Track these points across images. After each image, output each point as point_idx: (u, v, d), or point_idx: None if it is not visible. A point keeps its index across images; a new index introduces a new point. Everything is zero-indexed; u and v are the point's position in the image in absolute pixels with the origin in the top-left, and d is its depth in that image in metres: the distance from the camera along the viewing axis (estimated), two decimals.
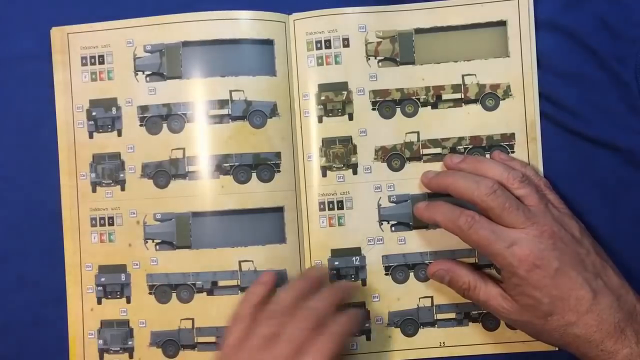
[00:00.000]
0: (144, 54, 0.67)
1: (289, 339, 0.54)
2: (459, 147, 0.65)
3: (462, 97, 0.65)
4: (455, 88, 0.65)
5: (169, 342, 0.66)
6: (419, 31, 0.66)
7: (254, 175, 0.66)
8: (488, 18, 0.65)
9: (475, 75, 0.65)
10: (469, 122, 0.65)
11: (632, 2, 0.63)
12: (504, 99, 0.65)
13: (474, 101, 0.65)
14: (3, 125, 0.68)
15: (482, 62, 0.65)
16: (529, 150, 0.64)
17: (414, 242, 0.65)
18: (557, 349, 0.63)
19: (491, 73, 0.65)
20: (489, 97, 0.65)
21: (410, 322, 0.65)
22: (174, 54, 0.67)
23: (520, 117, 0.64)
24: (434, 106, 0.65)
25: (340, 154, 0.66)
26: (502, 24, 0.65)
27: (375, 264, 0.65)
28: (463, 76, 0.65)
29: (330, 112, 0.66)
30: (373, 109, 0.66)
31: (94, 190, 0.67)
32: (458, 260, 0.63)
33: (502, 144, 0.65)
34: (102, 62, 0.67)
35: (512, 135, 0.64)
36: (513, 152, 0.64)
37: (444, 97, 0.65)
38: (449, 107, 0.65)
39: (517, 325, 0.59)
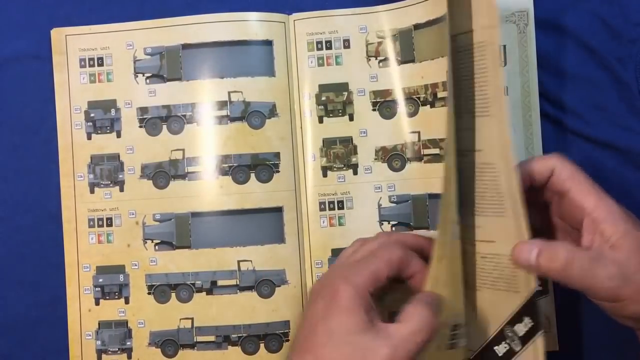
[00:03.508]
0: (144, 57, 0.67)
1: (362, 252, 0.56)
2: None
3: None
4: (444, 85, 0.63)
5: (168, 342, 0.65)
6: (417, 27, 0.65)
7: (252, 175, 0.65)
8: None
9: None
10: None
11: (632, 2, 0.63)
12: None
13: None
14: (3, 125, 0.68)
15: None
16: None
17: None
18: (557, 348, 0.63)
19: None
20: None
21: None
22: (174, 56, 0.67)
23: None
24: (432, 105, 0.65)
25: (340, 154, 0.66)
26: None
27: None
28: (447, 72, 0.58)
29: (330, 112, 0.66)
30: (373, 110, 0.66)
31: (92, 191, 0.67)
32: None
33: None
34: (101, 64, 0.67)
35: None
36: None
37: (439, 95, 0.64)
38: (442, 105, 0.64)
39: (628, 286, 0.50)
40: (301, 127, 0.66)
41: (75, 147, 0.67)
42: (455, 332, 0.55)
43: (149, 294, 0.66)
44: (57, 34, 0.67)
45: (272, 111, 0.66)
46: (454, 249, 0.55)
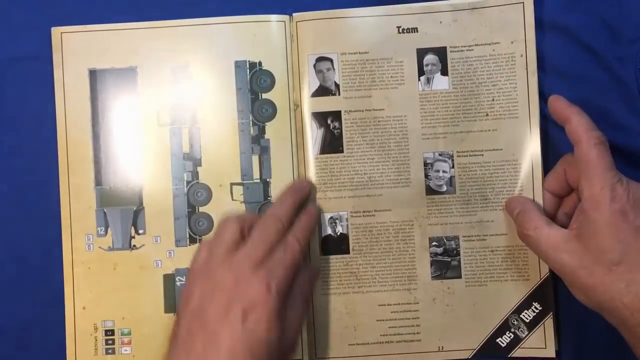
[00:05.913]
0: None
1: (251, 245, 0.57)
2: None
3: None
4: None
5: None
6: None
7: None
8: None
9: None
10: None
11: (632, 2, 0.64)
12: None
13: None
14: (3, 125, 0.68)
15: None
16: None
17: None
18: (557, 348, 0.63)
19: None
20: None
21: None
22: None
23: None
24: None
25: None
26: None
27: None
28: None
29: None
30: None
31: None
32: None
33: None
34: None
35: None
36: None
37: None
38: None
39: (573, 275, 0.55)
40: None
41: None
42: (111, 338, 0.65)
43: None
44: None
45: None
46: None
